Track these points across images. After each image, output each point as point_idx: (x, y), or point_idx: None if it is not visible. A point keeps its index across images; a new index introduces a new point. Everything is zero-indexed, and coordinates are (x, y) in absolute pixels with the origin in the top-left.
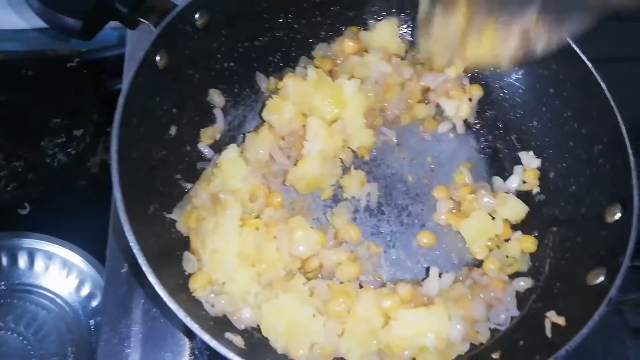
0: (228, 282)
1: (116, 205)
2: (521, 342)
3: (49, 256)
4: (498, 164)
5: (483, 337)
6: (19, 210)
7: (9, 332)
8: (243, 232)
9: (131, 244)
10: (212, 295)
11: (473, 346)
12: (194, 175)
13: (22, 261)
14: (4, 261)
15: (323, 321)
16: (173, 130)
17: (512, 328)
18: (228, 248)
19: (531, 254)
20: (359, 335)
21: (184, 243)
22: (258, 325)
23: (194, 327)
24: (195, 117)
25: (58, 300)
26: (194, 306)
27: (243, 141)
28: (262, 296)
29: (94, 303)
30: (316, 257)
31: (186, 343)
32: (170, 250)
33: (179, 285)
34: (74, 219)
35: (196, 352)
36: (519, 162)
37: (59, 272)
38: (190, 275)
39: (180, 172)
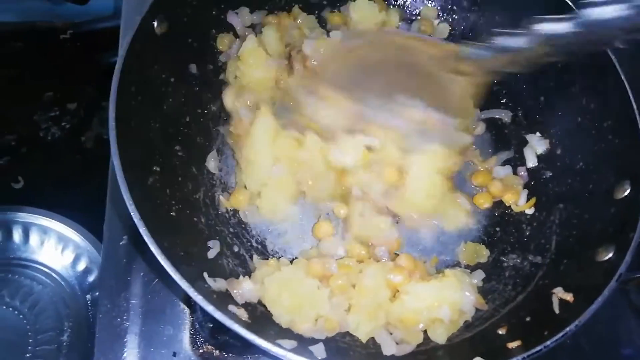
0: (263, 190)
1: (115, 174)
2: (528, 319)
3: (44, 230)
4: (503, 141)
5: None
6: (12, 184)
7: (4, 307)
8: (276, 140)
9: (132, 213)
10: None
11: (479, 321)
12: (193, 147)
13: (17, 235)
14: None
15: (328, 293)
16: (172, 99)
17: (519, 304)
18: (262, 156)
19: (536, 231)
20: (367, 310)
21: (186, 215)
22: (259, 300)
23: (198, 297)
24: (195, 88)
25: (54, 275)
26: (196, 279)
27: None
28: (264, 270)
29: (91, 278)
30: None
31: (187, 317)
32: (171, 222)
33: (181, 257)
34: (69, 193)
35: (197, 326)
36: (524, 140)
37: (54, 247)
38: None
39: (180, 144)
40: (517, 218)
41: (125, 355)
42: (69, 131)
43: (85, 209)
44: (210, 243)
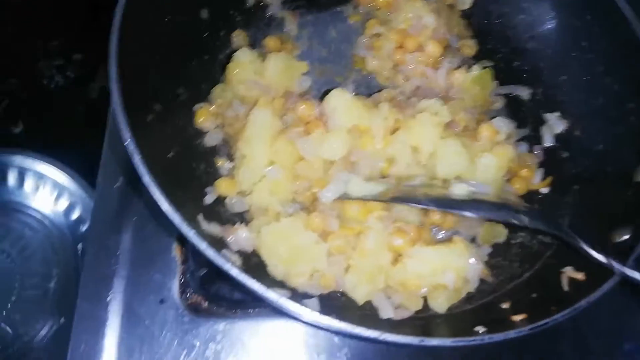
0: (255, 189)
1: (115, 111)
2: (534, 295)
3: (40, 176)
4: (520, 118)
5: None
6: (12, 127)
7: None
8: (275, 143)
9: (125, 142)
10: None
11: (481, 295)
12: (197, 92)
13: (12, 179)
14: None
15: (326, 248)
16: (179, 41)
17: (524, 281)
18: (257, 153)
19: (549, 210)
20: (366, 272)
21: (185, 159)
22: (254, 251)
23: (190, 233)
24: (204, 33)
25: (46, 222)
26: (190, 220)
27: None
28: (262, 220)
29: (83, 228)
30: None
31: (177, 265)
32: (168, 162)
33: (176, 196)
34: (69, 142)
35: (187, 276)
36: (542, 119)
37: (49, 194)
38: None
39: (183, 86)
40: (530, 197)
41: (109, 298)
42: (73, 81)
43: (83, 159)
44: (207, 189)
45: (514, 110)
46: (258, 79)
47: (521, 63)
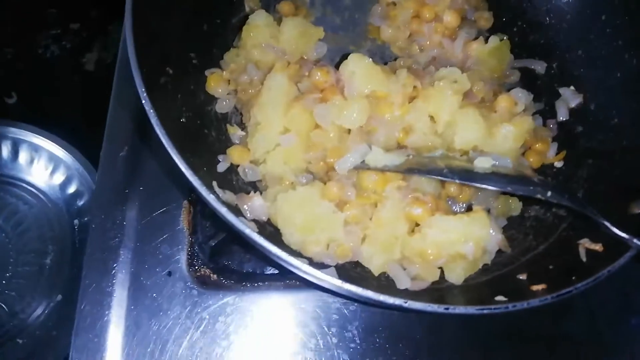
0: (268, 158)
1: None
2: (551, 266)
3: (35, 148)
4: (535, 92)
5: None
6: (5, 98)
7: None
8: (290, 110)
9: (144, 102)
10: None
11: (497, 267)
12: (209, 57)
13: (6, 151)
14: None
15: (343, 218)
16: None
17: (540, 253)
18: (272, 119)
19: (562, 184)
20: (382, 242)
21: (197, 124)
22: (269, 220)
23: (210, 197)
24: None
25: (41, 195)
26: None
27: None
28: (277, 188)
29: (80, 202)
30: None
31: (185, 237)
32: (181, 127)
33: (190, 162)
34: (64, 114)
35: (196, 248)
36: (556, 93)
37: (44, 167)
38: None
39: (195, 51)
40: (543, 170)
41: (115, 270)
42: (69, 51)
43: (80, 131)
44: (220, 157)
45: (529, 83)
46: (273, 43)
47: (537, 36)
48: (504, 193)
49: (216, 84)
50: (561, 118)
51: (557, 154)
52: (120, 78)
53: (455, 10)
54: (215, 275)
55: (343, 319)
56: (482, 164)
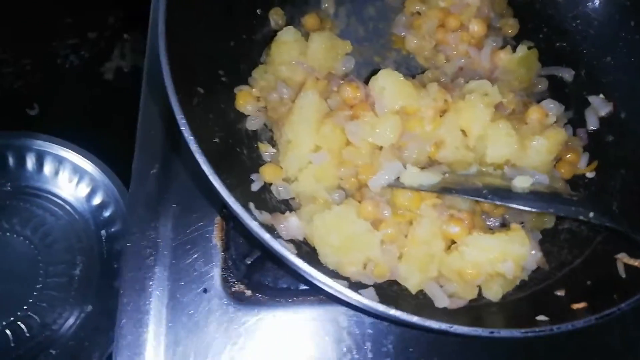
0: (300, 176)
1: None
2: (588, 282)
3: (59, 160)
4: (563, 100)
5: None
6: (27, 110)
7: (15, 235)
8: (321, 128)
9: (182, 128)
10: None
11: (534, 282)
12: (237, 73)
13: (30, 163)
14: (11, 161)
15: (379, 237)
16: (218, 20)
17: (577, 268)
18: (303, 138)
19: (595, 196)
20: (419, 260)
21: (229, 144)
22: (305, 239)
23: (253, 224)
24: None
25: (67, 207)
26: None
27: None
28: (312, 208)
29: (106, 213)
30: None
31: (219, 253)
32: (215, 148)
33: (227, 184)
34: (86, 124)
35: (229, 264)
36: (585, 101)
37: (69, 178)
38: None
39: (223, 68)
40: (574, 181)
41: (152, 288)
42: (88, 61)
43: (102, 142)
44: (253, 176)
45: (557, 92)
46: (301, 60)
47: (563, 43)
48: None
49: (245, 101)
50: (591, 127)
51: (588, 164)
52: (148, 94)
53: (481, 18)
54: (250, 291)
55: (378, 334)
56: (521, 183)
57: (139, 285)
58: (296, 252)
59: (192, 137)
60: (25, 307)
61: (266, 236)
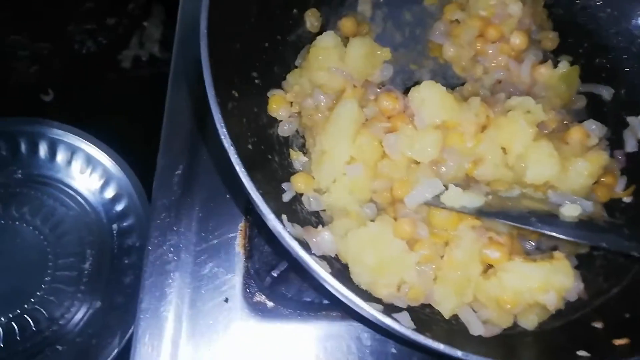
0: (332, 188)
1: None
2: (627, 315)
3: (73, 149)
4: (601, 120)
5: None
6: (42, 95)
7: (25, 224)
8: (358, 134)
9: (222, 137)
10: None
11: (569, 311)
12: (270, 76)
13: (43, 151)
14: (23, 148)
15: (416, 258)
16: (254, 19)
17: (614, 298)
18: (339, 149)
19: (633, 221)
20: (455, 284)
21: (261, 150)
22: (336, 255)
23: (293, 243)
24: (276, 10)
25: (79, 198)
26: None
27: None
28: (344, 223)
29: (119, 207)
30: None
31: (242, 261)
32: (249, 155)
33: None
34: (101, 113)
35: (252, 272)
36: (624, 121)
37: (81, 168)
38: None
39: (257, 70)
40: (610, 205)
41: (171, 295)
42: (105, 48)
43: (117, 132)
44: (284, 185)
45: (594, 110)
46: (340, 66)
47: (603, 60)
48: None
49: (278, 106)
50: (629, 149)
51: (625, 188)
52: (175, 91)
53: (522, 30)
54: (272, 303)
55: (401, 354)
56: (570, 212)
57: (159, 292)
58: (330, 270)
59: (232, 147)
60: (32, 300)
61: (302, 253)
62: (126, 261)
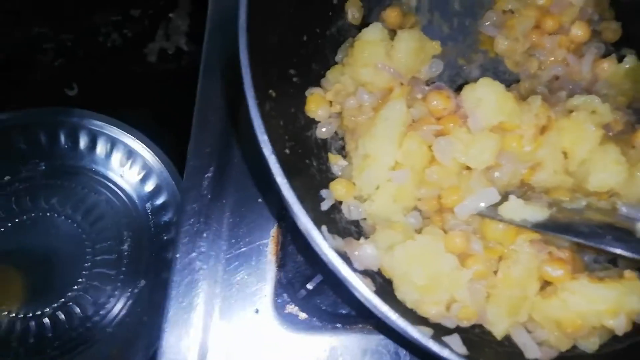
0: (375, 195)
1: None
2: None
3: (113, 141)
4: None
5: None
6: (66, 90)
7: (56, 215)
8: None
9: (262, 145)
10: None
11: (637, 331)
12: (308, 73)
13: (83, 142)
14: (62, 139)
15: (469, 275)
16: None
17: None
18: (384, 153)
19: None
20: (510, 303)
21: (298, 154)
22: (379, 270)
23: (335, 261)
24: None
25: (107, 182)
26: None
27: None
28: (388, 235)
29: (148, 187)
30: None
31: (274, 270)
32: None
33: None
34: (124, 108)
35: (284, 282)
36: None
37: (120, 159)
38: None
39: (294, 67)
40: None
41: (200, 305)
42: (131, 40)
43: (145, 125)
44: (323, 193)
45: None
46: (387, 62)
47: None
48: None
49: (317, 105)
50: None
51: None
52: (204, 91)
53: (584, 21)
54: (304, 314)
55: None
56: None
57: (187, 301)
58: (374, 288)
59: (272, 155)
60: (76, 287)
61: (345, 271)
62: (165, 237)
